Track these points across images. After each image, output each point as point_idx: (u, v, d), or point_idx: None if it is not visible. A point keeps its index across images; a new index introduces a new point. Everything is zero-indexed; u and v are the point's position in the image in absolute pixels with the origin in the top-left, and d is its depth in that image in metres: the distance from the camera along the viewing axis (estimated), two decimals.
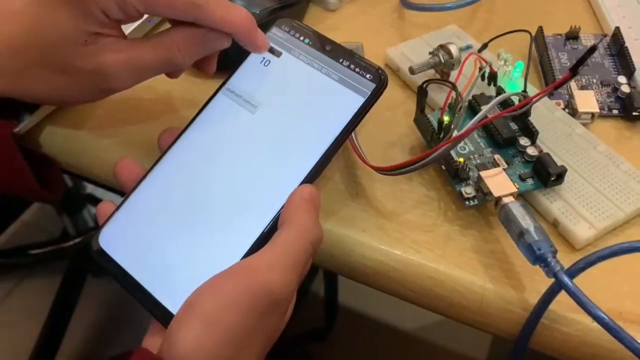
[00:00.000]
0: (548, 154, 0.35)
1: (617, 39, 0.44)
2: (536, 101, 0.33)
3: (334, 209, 0.36)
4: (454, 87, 0.35)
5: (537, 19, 0.48)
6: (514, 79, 0.41)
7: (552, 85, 0.32)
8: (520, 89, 0.40)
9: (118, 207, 0.34)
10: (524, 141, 0.36)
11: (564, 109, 0.40)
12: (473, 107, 0.38)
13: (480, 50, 0.43)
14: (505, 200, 0.32)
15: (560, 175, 0.34)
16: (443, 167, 0.36)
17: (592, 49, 0.30)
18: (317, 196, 0.31)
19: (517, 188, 0.34)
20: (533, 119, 0.38)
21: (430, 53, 0.41)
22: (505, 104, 0.38)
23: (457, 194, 0.34)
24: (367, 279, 0.35)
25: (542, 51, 0.43)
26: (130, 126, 0.40)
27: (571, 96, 0.40)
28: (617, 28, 0.44)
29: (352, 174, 0.38)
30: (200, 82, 0.43)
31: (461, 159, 0.35)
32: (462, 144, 0.37)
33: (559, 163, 0.36)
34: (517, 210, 0.32)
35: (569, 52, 0.44)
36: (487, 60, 0.39)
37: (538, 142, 0.37)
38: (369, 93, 0.33)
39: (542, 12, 0.50)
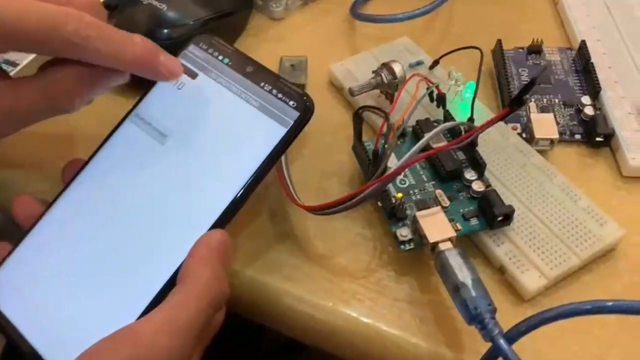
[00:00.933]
0: (494, 191, 0.31)
1: (582, 53, 0.40)
2: (476, 135, 0.30)
3: (258, 251, 0.32)
4: (386, 117, 0.31)
5: (499, 29, 0.44)
6: (466, 99, 0.37)
7: (488, 123, 0.28)
8: (476, 112, 0.36)
9: (11, 251, 0.30)
10: (469, 174, 0.32)
11: (520, 134, 0.36)
12: (417, 134, 0.35)
13: (432, 67, 0.39)
14: (442, 246, 0.28)
15: (507, 216, 0.30)
16: (379, 204, 0.32)
17: (531, 83, 0.26)
18: (226, 244, 0.27)
19: (459, 230, 0.30)
20: (484, 145, 0.35)
21: (373, 72, 0.37)
22: (453, 131, 0.34)
23: (392, 236, 0.31)
24: (293, 331, 0.31)
25: (500, 67, 0.39)
26: (36, 155, 0.36)
27: (529, 120, 0.36)
28: (583, 42, 0.40)
29: (282, 210, 0.34)
30: (125, 101, 0.39)
31: (399, 195, 0.32)
32: (401, 176, 0.33)
33: (510, 199, 0.32)
34: (454, 260, 0.28)
35: (531, 67, 0.41)
36: (433, 81, 0.35)
37: (488, 173, 0.33)
38: (292, 123, 0.29)
39: (506, 22, 0.45)
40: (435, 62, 0.39)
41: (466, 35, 0.44)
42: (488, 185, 0.32)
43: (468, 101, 0.37)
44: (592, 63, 0.39)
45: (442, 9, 0.46)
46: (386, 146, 0.30)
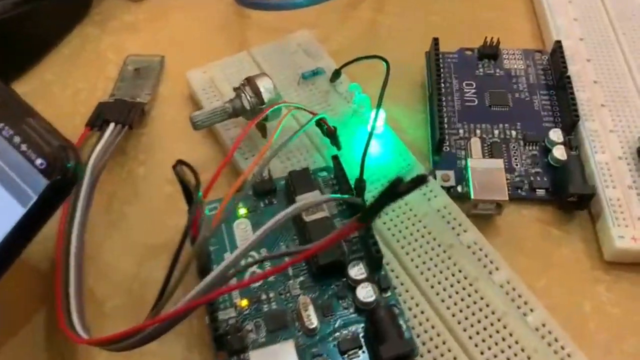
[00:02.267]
0: (389, 311, 0.19)
1: (556, 60, 0.28)
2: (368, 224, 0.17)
3: None
4: (195, 187, 0.18)
5: (447, 20, 0.32)
6: (378, 130, 0.25)
7: (332, 239, 0.16)
8: (392, 151, 0.24)
9: None
10: (356, 270, 0.20)
11: (453, 188, 0.24)
12: (289, 193, 0.22)
13: (333, 79, 0.27)
14: None
15: (405, 357, 0.18)
16: (207, 321, 0.20)
17: (420, 180, 0.14)
18: None
19: None
20: (391, 210, 0.23)
21: (234, 90, 0.24)
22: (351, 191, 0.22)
23: None
24: None
25: (433, 80, 0.27)
26: None
27: (466, 168, 0.24)
28: (558, 43, 0.28)
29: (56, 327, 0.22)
30: None
31: (244, 302, 0.20)
32: (255, 267, 0.21)
33: (421, 308, 0.20)
34: None
35: (481, 79, 0.28)
36: (315, 112, 0.23)
37: (391, 257, 0.21)
38: (34, 199, 0.17)
39: (459, 9, 0.32)
40: (337, 73, 0.26)
41: (399, 29, 0.31)
42: (385, 289, 0.20)
43: (379, 133, 0.25)
44: (568, 77, 0.26)
45: None
46: (205, 233, 0.18)
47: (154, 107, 0.28)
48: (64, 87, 0.29)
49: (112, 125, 0.25)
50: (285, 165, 0.24)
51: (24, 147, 0.18)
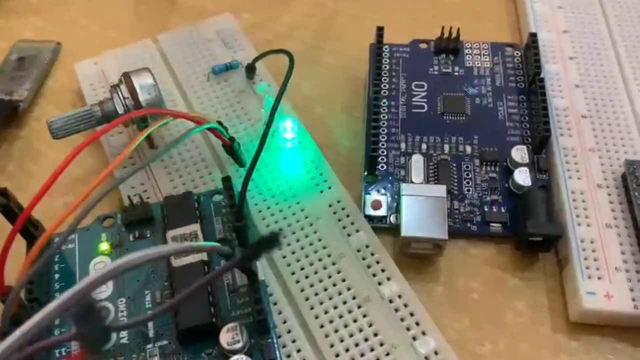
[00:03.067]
0: None
1: (529, 57, 0.22)
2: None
3: None
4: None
5: (406, 3, 0.27)
6: (290, 142, 0.20)
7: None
8: (309, 168, 0.19)
9: None
10: (230, 337, 0.15)
11: (385, 220, 0.19)
12: (165, 223, 0.17)
13: (249, 76, 0.22)
14: None
15: None
16: None
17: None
18: None
19: None
20: (302, 249, 0.18)
21: (110, 88, 0.20)
22: (240, 234, 0.17)
23: None
24: None
25: (372, 79, 0.21)
26: None
27: (399, 193, 0.19)
28: (533, 36, 0.22)
29: None
30: None
31: None
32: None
33: None
34: None
35: (435, 79, 0.23)
36: (202, 120, 0.18)
37: (288, 319, 0.16)
38: None
39: None
40: (250, 69, 0.21)
41: (351, 14, 0.26)
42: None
43: (292, 144, 0.20)
44: (541, 79, 0.21)
45: None
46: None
47: (38, 104, 0.23)
48: None
49: None
50: (175, 185, 0.19)
51: None
